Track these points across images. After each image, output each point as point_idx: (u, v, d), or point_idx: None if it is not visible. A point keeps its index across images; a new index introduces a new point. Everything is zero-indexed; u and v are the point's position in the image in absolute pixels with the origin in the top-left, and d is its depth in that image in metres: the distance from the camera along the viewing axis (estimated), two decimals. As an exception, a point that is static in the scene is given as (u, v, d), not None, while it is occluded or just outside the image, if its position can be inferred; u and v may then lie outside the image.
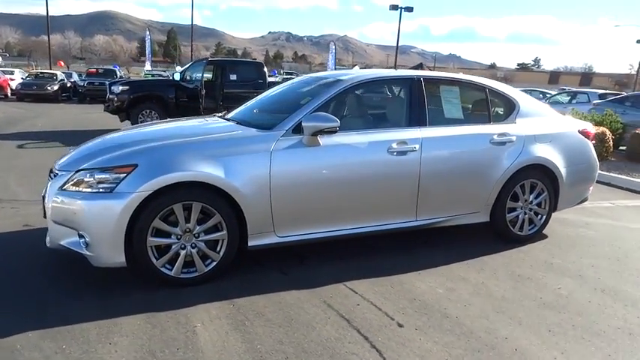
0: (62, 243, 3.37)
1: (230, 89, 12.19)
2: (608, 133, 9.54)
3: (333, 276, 3.73)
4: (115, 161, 3.33)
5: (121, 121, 12.06)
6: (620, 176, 8.12)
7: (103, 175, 3.26)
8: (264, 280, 3.63)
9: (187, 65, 13.24)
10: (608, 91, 19.31)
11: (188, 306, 3.19)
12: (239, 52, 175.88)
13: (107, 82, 19.79)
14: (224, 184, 3.37)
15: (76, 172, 3.36)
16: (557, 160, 4.60)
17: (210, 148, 3.47)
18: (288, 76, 30.89)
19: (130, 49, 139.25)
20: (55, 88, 22.33)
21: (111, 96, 11.87)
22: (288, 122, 3.71)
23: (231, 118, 4.40)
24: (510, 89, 4.88)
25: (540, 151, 4.53)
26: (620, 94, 15.54)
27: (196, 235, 3.42)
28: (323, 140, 3.67)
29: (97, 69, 26.63)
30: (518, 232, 4.65)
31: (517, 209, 4.60)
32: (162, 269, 3.37)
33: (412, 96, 4.21)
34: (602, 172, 7.69)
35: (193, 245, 3.42)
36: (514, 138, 4.44)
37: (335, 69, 29.42)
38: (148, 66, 35.44)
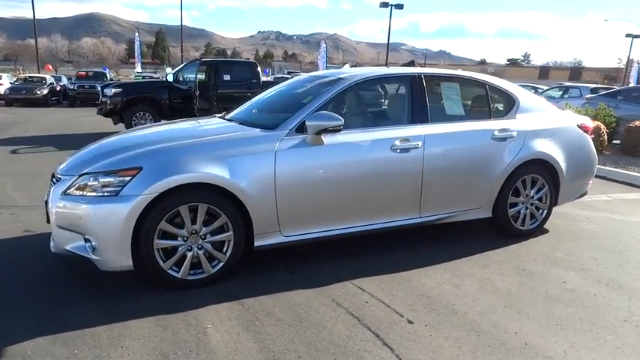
0: (68, 248, 3.35)
1: (224, 90, 12.15)
2: (602, 127, 9.62)
3: (339, 274, 3.74)
4: (120, 164, 3.31)
5: (115, 123, 11.99)
6: (616, 170, 8.19)
7: (107, 179, 3.24)
8: (271, 280, 3.63)
9: (180, 66, 13.17)
10: (599, 86, 19.46)
11: (197, 307, 3.18)
12: (229, 52, 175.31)
13: (98, 85, 19.72)
14: (230, 185, 3.36)
15: (80, 176, 3.34)
16: (557, 154, 4.63)
17: (214, 149, 3.46)
18: (288, 77, 30.84)
19: (118, 52, 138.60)
20: (45, 92, 22.19)
21: (104, 99, 11.81)
22: (291, 122, 3.70)
23: (233, 119, 4.39)
24: (510, 85, 4.90)
25: (541, 146, 4.55)
26: (611, 89, 15.67)
27: (203, 236, 3.41)
28: (326, 139, 3.67)
29: (86, 72, 26.44)
30: (520, 227, 4.68)
31: (518, 204, 4.63)
32: (170, 271, 3.36)
33: (414, 93, 4.22)
34: (598, 166, 7.68)
35: (200, 247, 3.42)
36: (515, 133, 4.46)
37: (326, 67, 29.41)
38: (138, 68, 35.20)
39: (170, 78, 12.14)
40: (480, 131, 4.38)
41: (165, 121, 5.27)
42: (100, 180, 3.24)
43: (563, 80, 46.77)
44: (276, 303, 3.28)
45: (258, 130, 3.75)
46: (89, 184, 3.27)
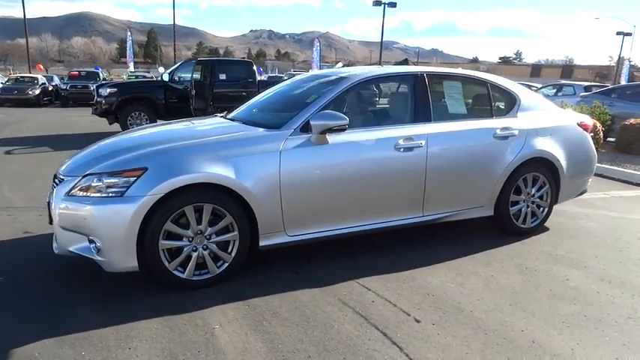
0: (71, 249, 3.32)
1: (220, 89, 12.11)
2: (598, 125, 9.68)
3: (344, 274, 3.73)
4: (124, 165, 3.29)
5: (110, 123, 11.92)
6: (612, 167, 8.24)
7: (112, 180, 3.22)
8: (276, 280, 3.62)
9: (176, 65, 13.11)
10: (593, 84, 19.59)
11: (203, 308, 3.16)
12: (221, 51, 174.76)
13: (91, 85, 19.59)
14: (235, 184, 3.35)
15: (83, 177, 3.31)
16: (558, 153, 4.66)
17: (219, 149, 3.44)
18: (282, 75, 30.79)
19: (109, 51, 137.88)
20: (37, 92, 22.01)
21: (99, 98, 11.72)
22: (295, 121, 3.70)
23: (235, 118, 4.37)
24: (511, 83, 4.92)
25: (542, 145, 4.57)
26: (604, 86, 15.77)
27: (208, 236, 3.40)
28: (331, 138, 3.67)
29: (79, 72, 26.23)
30: (521, 225, 4.70)
31: (520, 202, 4.65)
32: (175, 272, 3.34)
33: (416, 92, 4.22)
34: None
35: (205, 247, 3.40)
36: (516, 132, 4.48)
37: (320, 66, 29.39)
38: (131, 67, 34.97)
39: (166, 77, 12.08)
40: (482, 130, 4.39)
41: (166, 122, 5.23)
42: (105, 181, 3.22)
43: (555, 78, 47.02)
44: (282, 303, 3.27)
45: (263, 129, 3.74)
46: (93, 184, 3.24)
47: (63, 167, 3.67)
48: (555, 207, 5.01)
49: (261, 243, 3.58)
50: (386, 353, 2.71)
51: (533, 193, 4.68)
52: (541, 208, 4.79)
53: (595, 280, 3.79)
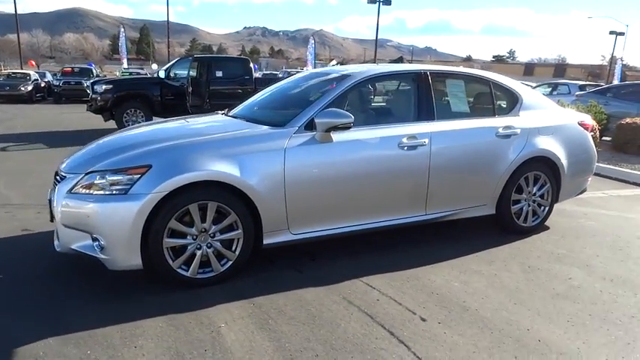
0: (74, 247, 3.29)
1: (216, 86, 12.06)
2: (594, 124, 9.71)
3: (348, 272, 3.72)
4: (128, 162, 3.26)
5: (105, 120, 11.83)
6: (609, 166, 8.29)
7: (115, 177, 3.19)
8: (280, 279, 3.61)
9: (172, 62, 13.03)
10: (587, 83, 19.70)
11: (208, 306, 3.14)
12: (214, 48, 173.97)
13: (84, 81, 19.41)
14: (240, 182, 3.32)
15: (86, 174, 3.28)
16: (559, 152, 4.67)
17: (224, 147, 3.42)
18: (276, 73, 30.68)
19: (101, 47, 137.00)
20: (29, 88, 21.77)
21: (94, 95, 11.63)
22: (300, 119, 3.68)
23: (237, 115, 4.35)
24: (513, 82, 4.93)
25: (544, 144, 4.58)
26: (599, 86, 15.85)
27: (212, 234, 3.37)
28: (335, 136, 3.66)
29: (72, 68, 26.02)
30: (523, 224, 4.71)
31: (521, 201, 4.66)
32: (179, 270, 3.32)
33: (420, 90, 4.21)
34: (592, 163, 7.83)
35: (209, 245, 3.38)
36: (518, 131, 4.48)
37: (315, 64, 29.33)
38: (124, 64, 34.70)
39: (162, 74, 12.00)
40: (485, 128, 4.39)
41: (165, 119, 5.19)
42: (108, 178, 3.19)
43: (548, 77, 47.22)
44: (287, 301, 3.26)
45: (267, 127, 3.71)
46: (96, 182, 3.21)
47: (64, 164, 3.63)
48: (555, 206, 5.02)
49: (265, 241, 3.56)
50: (393, 352, 2.71)
51: (534, 191, 4.69)
52: (542, 207, 4.80)
53: (597, 279, 3.81)
